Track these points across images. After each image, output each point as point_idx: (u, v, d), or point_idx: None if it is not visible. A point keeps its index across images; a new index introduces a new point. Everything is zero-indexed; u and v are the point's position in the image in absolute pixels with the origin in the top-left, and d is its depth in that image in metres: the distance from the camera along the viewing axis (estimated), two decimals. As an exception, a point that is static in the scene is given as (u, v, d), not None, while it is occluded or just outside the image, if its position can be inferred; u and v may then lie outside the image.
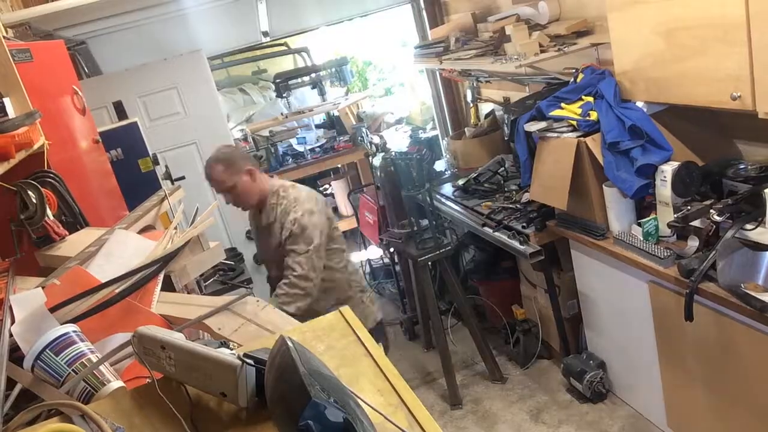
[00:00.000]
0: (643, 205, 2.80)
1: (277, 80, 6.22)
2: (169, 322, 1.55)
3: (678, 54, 2.35)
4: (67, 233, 2.05)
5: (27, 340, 1.33)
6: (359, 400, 0.98)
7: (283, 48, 7.41)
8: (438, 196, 4.20)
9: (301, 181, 6.36)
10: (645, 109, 2.74)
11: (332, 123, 6.74)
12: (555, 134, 2.90)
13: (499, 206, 3.63)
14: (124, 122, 3.85)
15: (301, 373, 0.90)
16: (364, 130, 6.26)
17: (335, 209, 6.30)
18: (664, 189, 2.55)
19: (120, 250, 1.82)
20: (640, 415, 3.11)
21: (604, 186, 2.79)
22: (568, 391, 3.47)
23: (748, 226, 2.20)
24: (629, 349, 3.03)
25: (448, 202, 4.08)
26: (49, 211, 1.99)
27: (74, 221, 2.18)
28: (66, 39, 3.86)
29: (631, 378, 3.11)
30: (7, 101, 1.99)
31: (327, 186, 6.48)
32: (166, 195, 2.44)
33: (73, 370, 1.21)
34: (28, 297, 1.51)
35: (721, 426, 2.50)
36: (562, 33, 3.21)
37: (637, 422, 3.09)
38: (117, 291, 1.55)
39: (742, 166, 2.55)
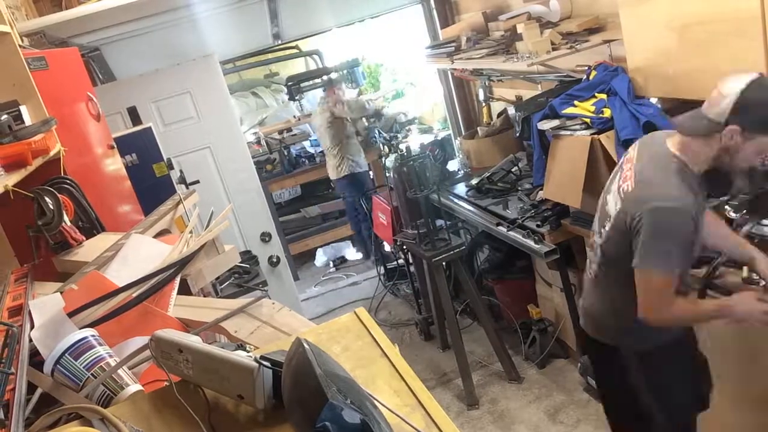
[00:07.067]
0: (659, 201, 2.77)
1: (289, 83, 6.25)
2: (186, 325, 1.56)
3: (692, 49, 2.32)
4: (83, 238, 2.07)
5: (46, 344, 1.35)
6: (376, 402, 0.98)
7: (295, 51, 7.44)
8: (451, 196, 4.20)
9: (316, 182, 6.45)
10: (659, 106, 2.71)
11: (344, 125, 6.75)
12: (568, 132, 2.88)
13: (524, 206, 3.57)
14: (138, 127, 3.88)
15: (318, 375, 0.91)
16: (376, 131, 6.26)
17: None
18: (679, 185, 2.53)
19: (136, 254, 1.84)
20: (659, 414, 3.08)
21: (618, 183, 2.77)
22: (586, 390, 3.44)
23: (765, 222, 2.18)
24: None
25: (462, 202, 4.07)
26: (66, 217, 2.02)
27: (91, 226, 2.21)
28: (80, 46, 3.89)
29: (649, 376, 3.09)
30: (23, 109, 2.02)
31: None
32: (180, 199, 2.46)
33: (92, 374, 1.22)
34: (46, 302, 1.53)
35: (740, 423, 2.47)
36: (574, 30, 3.19)
37: (656, 421, 3.06)
38: (134, 295, 1.57)
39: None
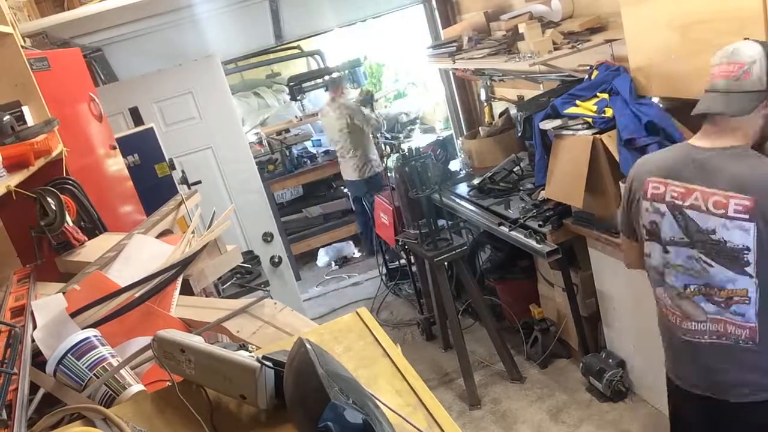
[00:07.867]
0: (661, 201, 2.77)
1: (291, 83, 6.26)
2: (188, 325, 1.56)
3: (694, 48, 2.32)
4: (86, 239, 2.08)
5: (49, 345, 1.35)
6: (378, 401, 0.98)
7: (297, 51, 7.44)
8: (453, 196, 4.20)
9: (318, 182, 6.46)
10: (661, 105, 2.71)
11: (346, 125, 6.76)
12: (570, 132, 2.88)
13: (526, 206, 3.56)
14: (140, 128, 3.88)
15: (320, 375, 0.91)
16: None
17: (350, 211, 6.33)
18: (682, 185, 2.52)
19: (138, 254, 1.84)
20: (661, 414, 3.07)
21: (620, 183, 2.76)
22: (588, 390, 3.44)
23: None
24: (649, 347, 2.99)
25: (464, 202, 4.07)
26: (68, 218, 2.02)
27: (93, 227, 2.21)
28: (82, 47, 3.90)
29: (652, 376, 3.08)
30: (25, 109, 2.03)
31: (342, 187, 6.51)
32: (183, 199, 2.46)
33: (94, 374, 1.22)
34: (49, 302, 1.54)
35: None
36: (576, 30, 3.19)
37: (658, 421, 3.06)
38: (136, 295, 1.57)
39: (761, 161, 2.51)
